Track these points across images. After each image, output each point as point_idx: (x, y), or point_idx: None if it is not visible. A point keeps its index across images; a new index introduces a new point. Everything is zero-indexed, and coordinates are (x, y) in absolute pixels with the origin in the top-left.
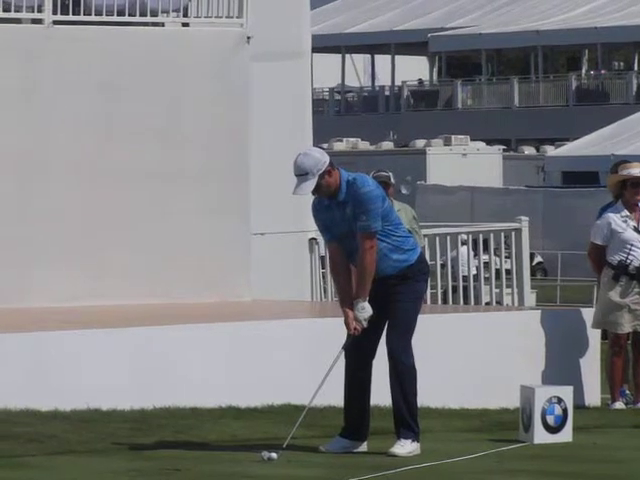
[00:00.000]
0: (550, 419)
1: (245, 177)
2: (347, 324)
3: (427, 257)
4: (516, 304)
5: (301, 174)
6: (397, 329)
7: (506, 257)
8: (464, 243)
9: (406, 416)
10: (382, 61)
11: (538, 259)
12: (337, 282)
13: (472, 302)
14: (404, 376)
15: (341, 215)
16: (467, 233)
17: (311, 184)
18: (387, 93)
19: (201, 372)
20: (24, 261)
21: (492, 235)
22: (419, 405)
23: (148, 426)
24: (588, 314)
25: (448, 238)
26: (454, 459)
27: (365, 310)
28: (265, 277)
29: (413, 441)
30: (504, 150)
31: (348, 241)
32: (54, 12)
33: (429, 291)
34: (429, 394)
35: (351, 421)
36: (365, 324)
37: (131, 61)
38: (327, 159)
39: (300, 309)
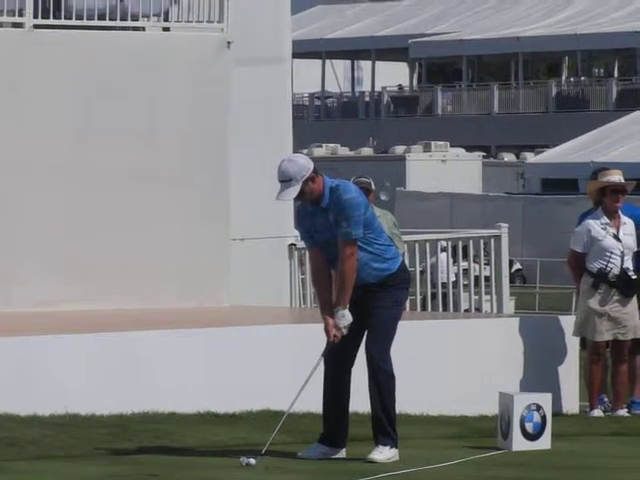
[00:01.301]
0: (529, 426)
1: (224, 182)
2: (327, 331)
3: (406, 263)
4: (495, 311)
5: (285, 180)
6: (377, 336)
7: (485, 264)
8: (443, 250)
9: (384, 423)
10: (362, 67)
11: (517, 266)
12: (318, 289)
13: (451, 309)
14: (383, 383)
15: (324, 221)
16: (446, 240)
17: (295, 190)
18: (367, 99)
19: (180, 377)
20: (4, 265)
21: (471, 242)
22: (398, 412)
23: (127, 431)
24: (567, 322)
25: (427, 245)
26: (432, 466)
27: (345, 318)
28: (244, 283)
29: (391, 447)
30: (484, 157)
31: (330, 248)
32: (35, 16)
33: (408, 297)
34: (408, 401)
35: (330, 427)
36: (345, 332)
37: (112, 65)
38: (311, 166)
39: (279, 315)
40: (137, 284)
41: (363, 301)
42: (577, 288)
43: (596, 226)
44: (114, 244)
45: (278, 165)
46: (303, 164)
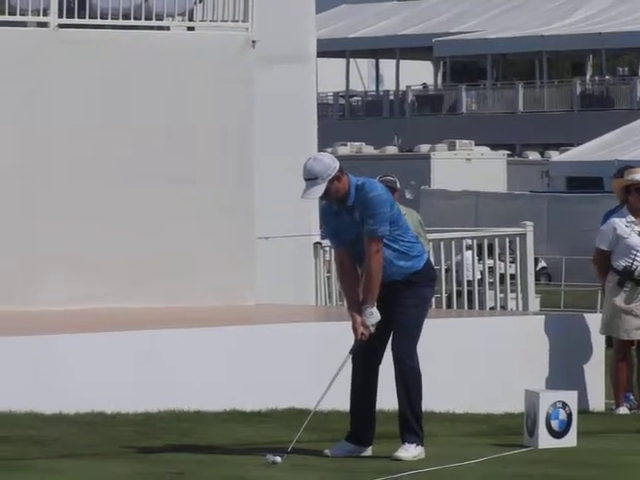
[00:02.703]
0: (554, 424)
1: (250, 181)
2: (355, 329)
3: (432, 261)
4: (520, 309)
5: (310, 178)
6: (403, 334)
7: (510, 262)
8: (469, 248)
9: (411, 420)
10: (387, 65)
11: (542, 264)
12: (344, 287)
13: (476, 307)
14: (410, 381)
15: (350, 220)
16: (472, 238)
17: (320, 189)
18: (391, 97)
19: (205, 376)
20: (28, 264)
21: (497, 240)
22: (424, 409)
23: (152, 429)
24: (592, 319)
25: (453, 243)
26: (459, 463)
27: (373, 315)
28: (269, 281)
29: (417, 445)
30: (508, 155)
31: (357, 246)
32: (59, 15)
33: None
34: (434, 398)
35: (357, 425)
36: (373, 329)
37: (136, 64)
38: (337, 164)
39: (304, 313)
40: (162, 282)
41: (389, 299)
42: (602, 286)
43: (621, 224)
44: (139, 242)
45: (304, 163)
46: (329, 163)
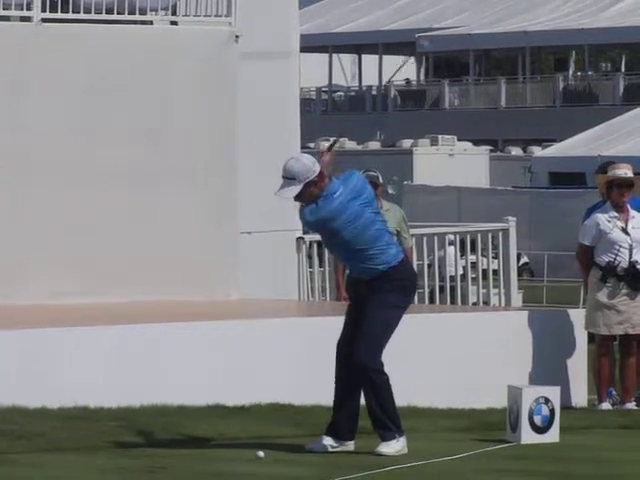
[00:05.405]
0: (537, 419)
1: (233, 176)
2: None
3: (414, 257)
4: (503, 304)
5: (288, 177)
6: (361, 337)
7: (493, 257)
8: (451, 243)
9: (386, 421)
10: (369, 61)
11: (524, 260)
12: None
13: (459, 302)
14: (373, 381)
15: None
16: (454, 233)
17: (295, 190)
18: (374, 93)
19: (188, 370)
20: (11, 259)
21: (479, 235)
22: (407, 404)
23: (135, 424)
24: (575, 315)
25: (435, 238)
26: (441, 459)
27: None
28: (252, 276)
29: (398, 440)
30: (491, 150)
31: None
32: (43, 10)
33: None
34: (416, 394)
35: (339, 420)
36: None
37: (119, 59)
38: (317, 169)
39: (287, 308)
40: (146, 278)
41: (360, 300)
42: (585, 281)
43: (604, 219)
44: (122, 239)
45: (285, 161)
46: (308, 166)
